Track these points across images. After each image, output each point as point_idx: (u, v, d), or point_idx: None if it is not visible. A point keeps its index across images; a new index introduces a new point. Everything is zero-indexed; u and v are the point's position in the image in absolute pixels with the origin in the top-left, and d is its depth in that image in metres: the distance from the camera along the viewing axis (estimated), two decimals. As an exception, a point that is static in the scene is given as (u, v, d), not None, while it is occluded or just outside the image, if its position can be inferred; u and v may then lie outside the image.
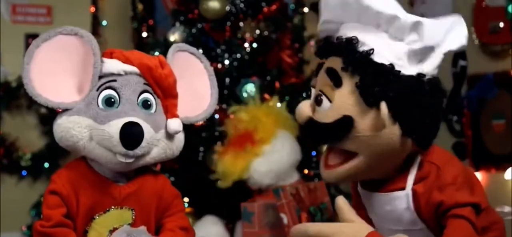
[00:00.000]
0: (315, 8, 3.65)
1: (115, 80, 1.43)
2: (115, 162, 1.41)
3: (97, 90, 1.42)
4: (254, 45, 3.18)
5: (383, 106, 1.24)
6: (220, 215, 2.91)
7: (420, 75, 1.28)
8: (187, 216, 1.57)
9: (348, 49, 1.29)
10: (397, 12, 1.27)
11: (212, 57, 3.21)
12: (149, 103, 1.45)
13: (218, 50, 3.21)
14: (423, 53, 1.30)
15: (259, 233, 2.44)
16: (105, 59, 1.45)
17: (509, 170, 2.79)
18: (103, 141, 1.39)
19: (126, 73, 1.45)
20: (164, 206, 1.52)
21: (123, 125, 1.37)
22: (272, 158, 2.75)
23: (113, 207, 1.45)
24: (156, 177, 1.53)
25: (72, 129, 1.40)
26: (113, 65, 1.45)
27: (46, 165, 3.87)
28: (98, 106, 1.41)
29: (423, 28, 1.28)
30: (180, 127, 1.49)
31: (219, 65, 3.17)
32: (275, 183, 2.73)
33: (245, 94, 3.00)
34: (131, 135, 1.38)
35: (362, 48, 1.28)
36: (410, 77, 1.27)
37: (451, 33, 1.33)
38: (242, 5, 3.22)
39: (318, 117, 1.32)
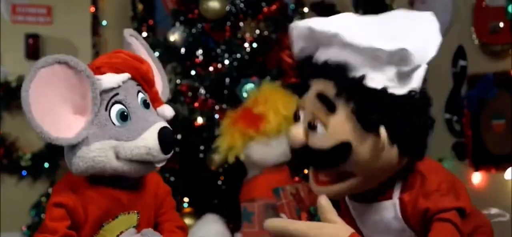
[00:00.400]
0: (315, 8, 3.66)
1: (117, 94, 1.41)
2: (146, 171, 1.41)
3: (106, 109, 1.39)
4: (254, 45, 3.18)
5: (383, 131, 1.24)
6: (221, 215, 2.91)
7: (411, 93, 1.28)
8: (178, 213, 1.57)
9: (340, 75, 1.27)
10: (380, 46, 1.25)
11: (212, 57, 3.21)
12: (147, 102, 1.45)
13: (218, 50, 3.21)
14: (412, 72, 1.29)
15: (259, 233, 2.44)
16: (98, 76, 1.40)
17: (509, 170, 2.79)
18: (142, 156, 1.37)
19: (124, 83, 1.43)
20: (158, 203, 1.52)
21: (158, 133, 1.36)
22: (264, 150, 2.78)
23: (121, 213, 1.44)
24: (150, 175, 1.53)
25: (97, 156, 1.37)
26: (110, 79, 1.41)
27: (46, 165, 3.87)
28: (114, 124, 1.38)
29: (408, 54, 1.26)
30: (172, 112, 1.50)
31: (219, 65, 3.17)
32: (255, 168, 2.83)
33: (245, 94, 2.99)
34: (169, 139, 1.38)
35: (353, 74, 1.26)
36: (403, 97, 1.27)
37: (429, 41, 1.31)
38: (242, 5, 3.22)
39: (313, 143, 1.30)
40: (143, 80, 1.46)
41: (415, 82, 1.30)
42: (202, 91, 3.15)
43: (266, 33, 3.22)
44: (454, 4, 3.23)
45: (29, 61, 3.91)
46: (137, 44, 1.57)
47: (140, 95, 1.45)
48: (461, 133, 3.11)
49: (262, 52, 3.20)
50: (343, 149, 1.27)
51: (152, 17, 4.25)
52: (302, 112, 1.35)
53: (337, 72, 1.27)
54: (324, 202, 1.25)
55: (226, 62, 3.16)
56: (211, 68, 3.17)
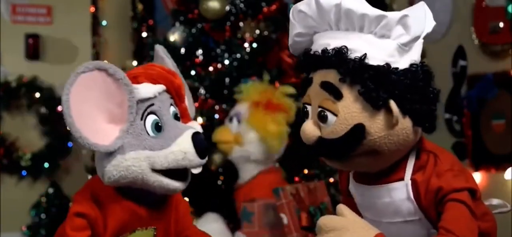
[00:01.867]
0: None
1: (153, 104, 1.41)
2: (172, 188, 1.41)
3: (141, 119, 1.39)
4: (254, 45, 3.18)
5: (393, 105, 1.26)
6: (221, 214, 2.90)
7: (413, 65, 1.30)
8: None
9: (340, 60, 1.28)
10: (381, 12, 1.28)
11: (212, 57, 3.21)
12: (177, 115, 1.46)
13: (218, 50, 3.21)
14: (410, 44, 1.31)
15: (259, 233, 2.44)
16: (136, 86, 1.40)
17: (509, 170, 2.80)
18: (178, 162, 1.37)
19: (159, 94, 1.44)
20: (179, 218, 1.52)
21: (191, 137, 1.37)
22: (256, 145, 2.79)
23: (139, 228, 1.44)
24: None
25: (132, 166, 1.36)
26: (147, 89, 1.41)
27: (46, 165, 3.87)
28: (148, 134, 1.38)
29: (408, 21, 1.29)
30: (201, 128, 1.50)
31: (219, 65, 3.17)
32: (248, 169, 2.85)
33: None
34: (203, 143, 1.39)
35: (354, 56, 1.28)
36: (407, 70, 1.29)
37: (426, 18, 1.34)
38: (242, 5, 3.21)
39: (326, 134, 1.31)
40: (176, 94, 1.47)
41: (415, 55, 1.32)
42: (202, 91, 3.15)
43: (266, 33, 3.21)
44: (454, 4, 3.23)
45: (29, 61, 3.91)
46: (168, 61, 1.58)
47: (172, 108, 1.45)
48: (461, 133, 3.12)
49: (262, 52, 3.20)
50: (357, 132, 1.28)
51: (152, 17, 4.25)
52: (309, 106, 1.36)
53: (337, 58, 1.29)
54: (343, 209, 1.29)
55: (226, 62, 3.16)
56: (211, 68, 3.16)
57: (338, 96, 1.29)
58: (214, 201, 2.99)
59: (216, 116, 3.07)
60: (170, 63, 1.56)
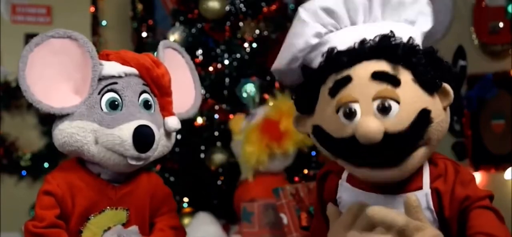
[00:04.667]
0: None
1: (116, 83, 1.42)
2: (123, 164, 1.41)
3: (99, 93, 1.41)
4: (254, 45, 3.18)
5: (447, 86, 1.23)
6: (220, 215, 2.91)
7: (431, 48, 1.28)
8: (177, 215, 1.57)
9: (389, 46, 1.20)
10: None
11: (211, 57, 3.21)
12: (149, 103, 1.46)
13: (218, 50, 3.21)
14: (428, 31, 1.31)
15: (259, 233, 2.44)
16: (103, 62, 1.44)
17: (508, 170, 2.79)
18: (114, 145, 1.38)
19: (126, 75, 1.44)
20: (156, 204, 1.52)
21: (135, 129, 1.37)
22: (270, 163, 2.78)
23: (108, 207, 1.45)
24: (149, 176, 1.53)
25: (76, 134, 1.39)
26: (112, 67, 1.44)
27: (46, 165, 3.87)
28: (101, 109, 1.40)
29: (429, 9, 1.29)
30: (179, 125, 1.50)
31: (219, 65, 3.17)
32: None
33: (244, 94, 3.00)
34: (144, 138, 1.38)
35: (399, 41, 1.21)
36: (432, 51, 1.26)
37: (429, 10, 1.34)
38: (241, 5, 3.22)
39: (392, 126, 1.17)
40: (153, 83, 1.47)
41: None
42: (202, 91, 3.16)
43: (265, 33, 3.21)
44: (454, 4, 3.22)
45: (29, 61, 3.91)
46: (173, 55, 1.58)
47: (144, 95, 1.45)
48: (461, 133, 3.11)
49: (261, 52, 3.20)
50: (424, 117, 1.19)
51: (152, 17, 4.25)
52: (355, 104, 1.20)
53: (386, 43, 1.21)
54: (414, 200, 1.19)
55: (226, 62, 3.16)
56: (211, 68, 3.16)
57: (396, 82, 1.19)
58: (214, 201, 3.00)
59: (216, 116, 3.07)
60: (172, 56, 1.57)
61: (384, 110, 1.18)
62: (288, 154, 2.78)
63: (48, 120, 3.82)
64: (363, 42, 1.22)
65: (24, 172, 3.89)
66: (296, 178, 3.00)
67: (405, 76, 1.20)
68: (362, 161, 1.20)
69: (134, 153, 1.38)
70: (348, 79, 1.21)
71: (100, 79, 1.42)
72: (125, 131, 1.37)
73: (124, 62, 1.45)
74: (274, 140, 2.74)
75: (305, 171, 3.07)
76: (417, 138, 1.19)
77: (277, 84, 3.14)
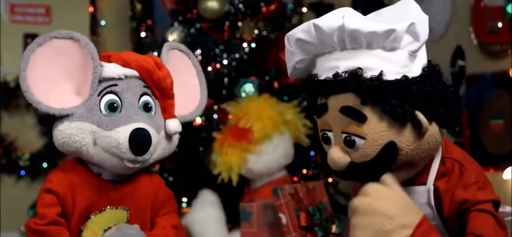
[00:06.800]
0: (313, 8, 3.66)
1: (116, 85, 1.43)
2: (121, 167, 1.41)
3: (99, 95, 1.42)
4: (253, 45, 3.17)
5: (421, 116, 1.23)
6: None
7: (425, 69, 1.28)
8: (178, 216, 1.58)
9: (357, 82, 1.23)
10: (389, 26, 1.23)
11: (210, 57, 3.21)
12: (150, 106, 1.46)
13: (217, 50, 3.21)
14: (419, 49, 1.29)
15: (258, 233, 2.44)
16: (104, 63, 1.44)
17: (507, 170, 2.79)
18: (111, 148, 1.38)
19: (126, 77, 1.44)
20: (158, 205, 1.52)
21: (131, 132, 1.37)
22: (263, 159, 2.79)
23: (108, 207, 1.45)
24: (151, 177, 1.53)
25: (75, 135, 1.40)
26: (113, 69, 1.44)
27: (45, 165, 3.86)
28: (100, 111, 1.40)
29: (416, 28, 1.25)
30: (179, 128, 1.50)
31: (218, 65, 3.17)
32: (260, 179, 2.84)
33: (243, 94, 3.00)
34: (140, 141, 1.38)
35: (369, 75, 1.23)
36: (422, 75, 1.26)
37: (424, 16, 1.30)
38: (240, 5, 3.21)
39: (357, 158, 1.26)
40: (154, 86, 1.47)
41: (423, 57, 1.30)
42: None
43: (264, 33, 3.21)
44: (453, 4, 3.23)
45: (28, 61, 3.91)
46: (178, 57, 1.57)
47: (145, 97, 1.45)
48: (460, 133, 3.12)
49: (260, 52, 3.20)
50: (389, 150, 1.24)
51: (151, 17, 4.25)
52: (329, 133, 1.30)
53: (354, 81, 1.23)
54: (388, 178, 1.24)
55: (225, 62, 3.15)
56: (209, 68, 3.16)
57: (362, 119, 1.24)
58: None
59: (215, 116, 3.07)
60: (178, 58, 1.56)
61: (348, 144, 1.26)
62: (263, 146, 2.77)
63: (47, 120, 3.82)
64: (336, 75, 1.25)
65: (23, 172, 3.88)
66: (295, 178, 3.00)
67: (374, 111, 1.23)
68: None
69: (130, 156, 1.38)
70: (325, 108, 1.29)
71: (100, 81, 1.42)
72: (121, 134, 1.38)
73: (125, 64, 1.46)
74: (240, 140, 2.75)
75: (304, 171, 3.07)
76: (381, 169, 1.25)
77: (276, 84, 3.14)
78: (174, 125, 1.48)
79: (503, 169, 2.83)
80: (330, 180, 3.12)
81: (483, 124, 3.02)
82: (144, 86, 1.46)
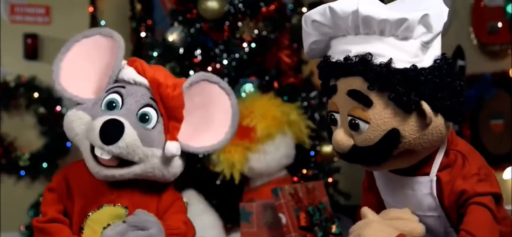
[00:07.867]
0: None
1: (124, 87, 1.45)
2: (96, 171, 1.43)
3: (106, 91, 1.46)
4: (253, 45, 3.17)
5: (426, 106, 1.24)
6: (220, 215, 2.90)
7: (436, 61, 1.28)
8: (186, 215, 1.59)
9: (366, 67, 1.25)
10: (402, 14, 1.24)
11: (210, 57, 3.21)
12: (147, 117, 1.47)
13: (217, 50, 3.21)
14: (433, 40, 1.30)
15: (258, 233, 2.43)
16: (125, 66, 1.49)
17: (507, 170, 2.79)
18: (88, 134, 1.42)
19: (136, 83, 1.47)
20: (164, 207, 1.53)
21: (105, 120, 1.40)
22: (265, 158, 2.79)
23: (105, 204, 1.47)
24: (154, 181, 1.54)
25: (73, 122, 1.45)
26: (127, 72, 1.49)
27: (45, 165, 3.86)
28: (100, 107, 1.43)
29: (430, 20, 1.26)
30: (178, 152, 1.49)
31: (218, 65, 3.17)
32: (260, 178, 2.85)
33: (243, 94, 3.00)
34: (109, 129, 1.40)
35: (379, 61, 1.25)
36: (433, 67, 1.27)
37: (441, 6, 1.32)
38: (240, 5, 3.21)
39: (360, 142, 1.29)
40: (161, 100, 1.47)
41: (437, 49, 1.31)
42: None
43: (264, 33, 3.21)
44: (453, 4, 3.23)
45: (28, 61, 3.91)
46: (220, 94, 1.57)
47: (146, 109, 1.46)
48: (460, 133, 3.11)
49: (260, 52, 3.20)
50: (392, 137, 1.26)
51: (151, 17, 4.25)
52: (336, 114, 1.33)
53: (363, 65, 1.26)
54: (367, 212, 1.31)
55: (225, 62, 3.15)
56: (209, 68, 3.16)
57: (368, 103, 1.26)
58: (213, 201, 2.99)
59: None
60: (214, 92, 1.55)
61: (353, 127, 1.28)
62: (265, 145, 2.77)
63: (47, 120, 3.83)
64: (346, 58, 1.28)
65: (22, 172, 3.88)
66: (295, 178, 3.00)
67: (380, 97, 1.26)
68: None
69: (100, 143, 1.40)
70: (334, 89, 1.31)
71: (116, 81, 1.49)
72: (96, 123, 1.41)
73: (141, 72, 1.48)
74: (243, 139, 2.75)
75: (304, 171, 3.07)
76: (383, 154, 1.28)
77: (276, 84, 3.14)
78: (173, 148, 1.48)
79: (503, 169, 2.83)
80: (330, 180, 3.12)
81: (483, 124, 3.02)
82: (151, 98, 1.47)
